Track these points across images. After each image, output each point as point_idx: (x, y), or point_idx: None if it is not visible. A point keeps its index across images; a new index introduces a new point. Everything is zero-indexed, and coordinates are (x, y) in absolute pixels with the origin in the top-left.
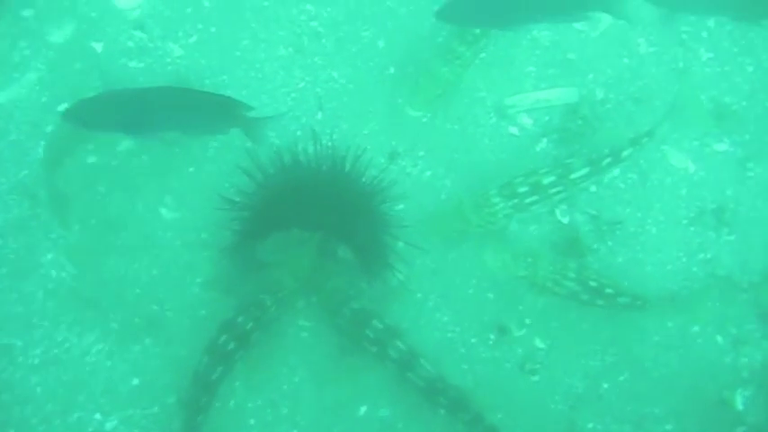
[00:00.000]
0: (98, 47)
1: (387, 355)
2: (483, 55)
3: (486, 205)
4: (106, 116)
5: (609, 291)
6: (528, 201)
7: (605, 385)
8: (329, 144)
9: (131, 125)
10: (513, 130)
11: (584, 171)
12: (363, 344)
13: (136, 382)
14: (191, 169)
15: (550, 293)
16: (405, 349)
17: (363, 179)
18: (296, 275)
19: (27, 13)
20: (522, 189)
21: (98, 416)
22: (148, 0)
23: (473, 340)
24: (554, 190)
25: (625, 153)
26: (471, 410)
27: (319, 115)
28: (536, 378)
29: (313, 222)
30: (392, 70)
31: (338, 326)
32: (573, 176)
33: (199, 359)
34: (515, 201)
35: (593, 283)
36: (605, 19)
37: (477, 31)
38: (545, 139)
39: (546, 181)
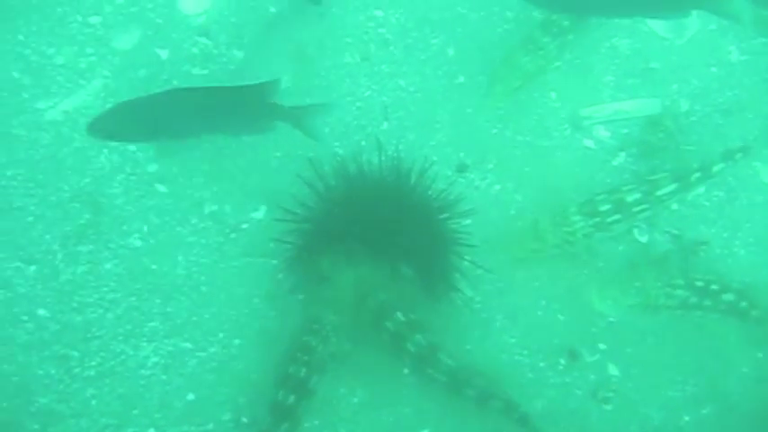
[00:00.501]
0: (163, 53)
1: (405, 349)
2: (558, 63)
3: (565, 224)
4: (131, 126)
5: (714, 287)
6: (610, 219)
7: (686, 418)
8: (394, 155)
9: (158, 132)
10: (589, 143)
11: (672, 188)
12: (382, 336)
13: (191, 397)
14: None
15: (664, 309)
16: (425, 344)
17: (429, 193)
18: (337, 309)
19: (94, 20)
20: (605, 207)
21: (152, 431)
22: (214, 6)
23: (542, 364)
24: (638, 208)
25: (716, 168)
26: (502, 398)
27: (385, 125)
28: (609, 407)
29: (376, 237)
30: (462, 79)
31: (359, 318)
32: (659, 193)
33: (262, 418)
34: (597, 219)
35: (699, 283)
36: (692, 25)
37: (565, 22)
38: (623, 153)
39: (630, 198)
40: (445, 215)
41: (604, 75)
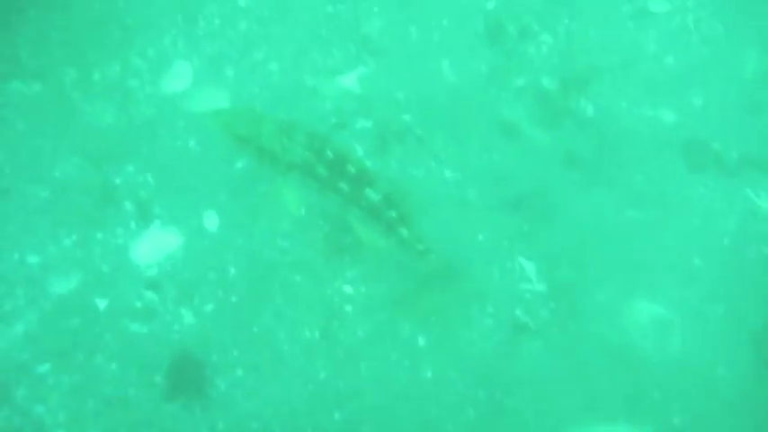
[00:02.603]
0: (102, 303)
1: None
2: None
3: None
4: None
5: None
6: None
7: None
8: None
9: None
10: None
11: None
12: None
13: None
14: None
15: None
16: None
17: None
18: None
19: (33, 259)
20: None
21: None
22: (169, 259)
23: None
24: None
25: None
26: None
27: (337, 415)
28: None
29: None
30: (429, 374)
31: None
32: None
33: None
34: None
35: None
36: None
37: None
38: None
39: None
40: None
41: None
